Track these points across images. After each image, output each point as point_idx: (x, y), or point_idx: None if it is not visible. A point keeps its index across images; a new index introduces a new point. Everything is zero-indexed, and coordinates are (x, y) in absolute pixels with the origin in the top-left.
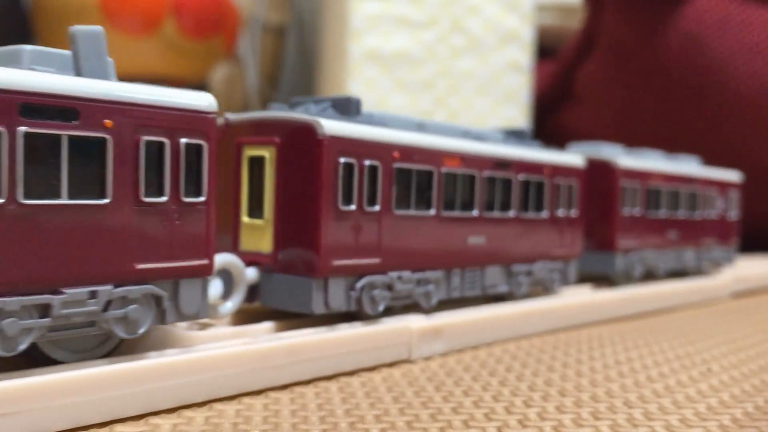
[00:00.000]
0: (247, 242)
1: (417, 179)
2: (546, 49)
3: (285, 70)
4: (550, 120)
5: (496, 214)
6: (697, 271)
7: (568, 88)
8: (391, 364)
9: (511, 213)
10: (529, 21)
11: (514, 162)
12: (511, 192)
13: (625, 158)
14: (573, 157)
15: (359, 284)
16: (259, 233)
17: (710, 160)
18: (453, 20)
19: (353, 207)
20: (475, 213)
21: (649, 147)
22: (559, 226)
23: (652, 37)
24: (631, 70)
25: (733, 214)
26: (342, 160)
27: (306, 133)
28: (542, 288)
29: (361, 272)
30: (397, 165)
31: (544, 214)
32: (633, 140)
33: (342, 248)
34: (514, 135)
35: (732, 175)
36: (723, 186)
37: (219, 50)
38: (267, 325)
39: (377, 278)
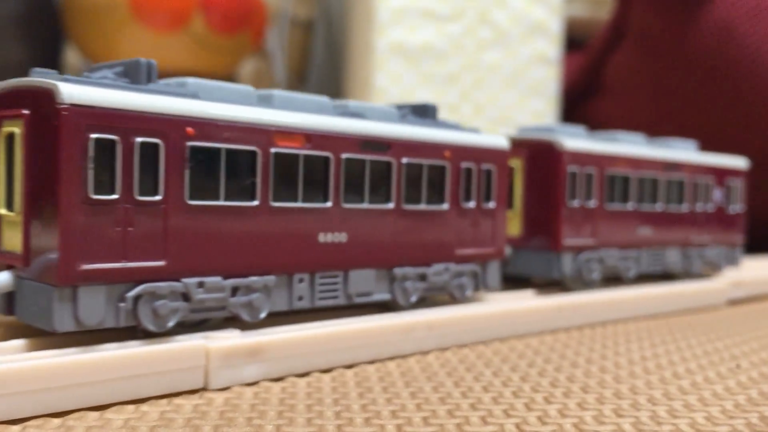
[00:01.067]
0: (6, 240)
1: (228, 162)
2: (575, 40)
3: (313, 64)
4: (579, 112)
5: (365, 205)
6: (686, 275)
7: (597, 80)
8: (181, 394)
9: (390, 204)
10: (557, 12)
11: (396, 142)
12: (391, 178)
13: (574, 139)
14: (490, 137)
15: (131, 294)
16: (13, 229)
17: (742, 152)
18: (479, 13)
19: (115, 196)
20: (328, 204)
21: (680, 138)
22: (470, 221)
23: (682, 26)
24: (661, 60)
25: (737, 206)
26: (94, 135)
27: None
28: (449, 295)
29: (137, 278)
30: (191, 143)
31: (445, 205)
32: (663, 132)
33: (98, 248)
34: (416, 112)
35: (735, 161)
36: (722, 173)
37: (247, 45)
38: (16, 344)
39: (162, 285)
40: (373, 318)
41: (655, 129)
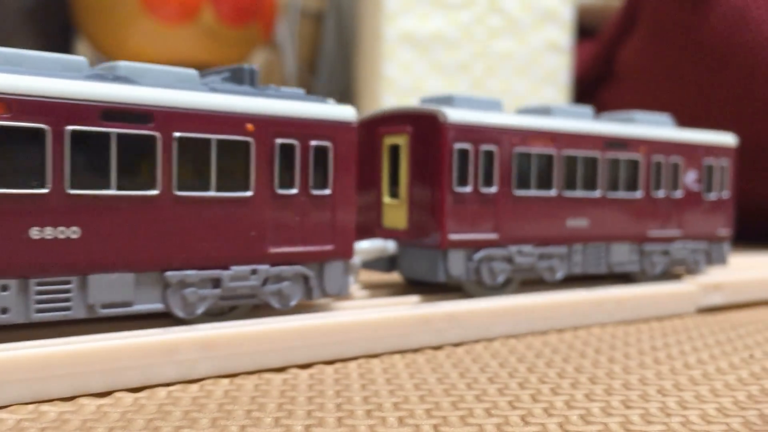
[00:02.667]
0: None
1: None
2: (587, 28)
3: (323, 55)
4: (591, 101)
5: (110, 192)
6: (645, 276)
7: (609, 68)
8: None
9: (154, 191)
10: (569, 0)
11: (162, 111)
12: (155, 157)
13: (464, 110)
14: (325, 107)
15: None
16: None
17: (759, 140)
18: (490, 0)
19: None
20: (46, 190)
21: (695, 126)
22: (293, 211)
23: (695, 13)
24: (674, 48)
25: (721, 192)
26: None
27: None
28: (265, 304)
29: None
30: None
31: (249, 192)
32: (677, 121)
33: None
34: (233, 77)
35: (717, 137)
36: (697, 152)
37: (257, 37)
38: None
39: None
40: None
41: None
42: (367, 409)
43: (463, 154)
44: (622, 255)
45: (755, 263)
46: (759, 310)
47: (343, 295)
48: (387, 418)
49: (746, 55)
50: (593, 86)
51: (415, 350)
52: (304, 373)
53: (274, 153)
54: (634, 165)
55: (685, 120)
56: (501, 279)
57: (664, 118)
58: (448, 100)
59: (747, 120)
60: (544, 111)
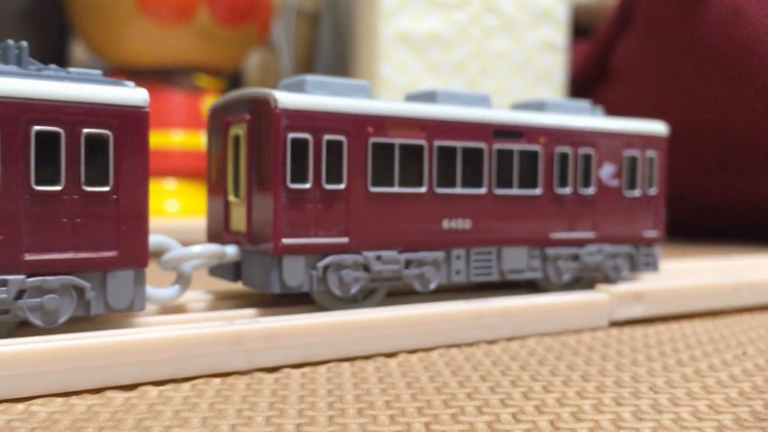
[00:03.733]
0: None
1: None
2: (582, 27)
3: (320, 55)
4: (587, 99)
5: None
6: (549, 285)
7: (604, 67)
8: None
9: None
10: None
11: None
12: None
13: (303, 94)
14: (103, 89)
15: None
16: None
17: (755, 138)
18: (485, 0)
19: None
20: None
21: (690, 126)
22: (56, 212)
23: (690, 12)
24: (669, 47)
25: (647, 188)
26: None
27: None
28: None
29: None
30: None
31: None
32: (672, 119)
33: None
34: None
35: (643, 126)
36: (617, 143)
37: (253, 37)
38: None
39: None
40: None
41: (663, 115)
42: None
43: (300, 144)
44: (517, 261)
45: (699, 268)
46: (685, 324)
47: (136, 309)
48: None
49: (741, 53)
50: (588, 85)
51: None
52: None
53: (30, 142)
54: (531, 157)
55: (681, 120)
56: (354, 289)
57: (585, 105)
58: (300, 84)
59: (742, 118)
60: (428, 97)
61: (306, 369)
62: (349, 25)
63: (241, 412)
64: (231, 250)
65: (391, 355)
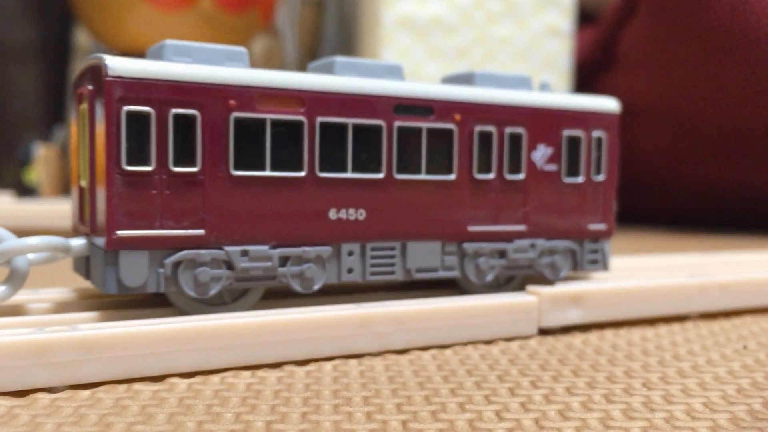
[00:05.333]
0: None
1: None
2: (587, 14)
3: (324, 41)
4: (592, 87)
5: None
6: (471, 285)
7: (610, 53)
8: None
9: None
10: None
11: None
12: None
13: (138, 61)
14: None
15: None
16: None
17: (762, 126)
18: None
19: None
20: None
21: (698, 113)
22: None
23: None
24: (675, 33)
25: (593, 174)
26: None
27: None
28: None
29: None
30: None
31: None
32: (678, 106)
33: None
34: None
35: (587, 102)
36: (554, 121)
37: (256, 23)
38: None
39: None
40: None
41: (669, 102)
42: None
43: (140, 119)
44: (427, 258)
45: (661, 266)
46: (630, 332)
47: None
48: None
49: (748, 39)
50: (594, 72)
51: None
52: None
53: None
54: (445, 137)
55: (687, 107)
56: (214, 290)
57: (523, 77)
58: (159, 50)
59: (752, 104)
60: (326, 67)
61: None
62: (353, 10)
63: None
64: (76, 243)
65: (253, 367)
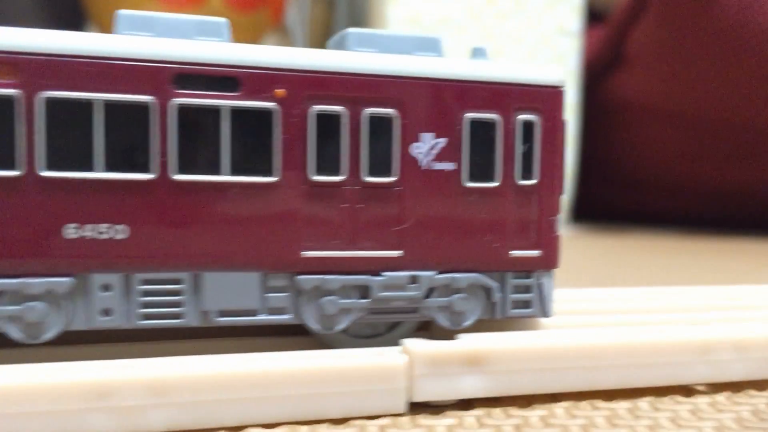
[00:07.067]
0: None
1: None
2: (596, 13)
3: None
4: (601, 86)
5: None
6: (326, 336)
7: (619, 52)
8: None
9: None
10: None
11: None
12: None
13: None
14: None
15: None
16: None
17: None
18: None
19: None
20: None
21: (709, 112)
22: None
23: None
24: (685, 32)
25: (518, 176)
26: None
27: None
28: None
29: None
30: None
31: None
32: (687, 106)
33: None
34: None
35: (512, 73)
36: (448, 98)
37: (266, 22)
38: None
39: None
40: None
41: (678, 100)
42: None
43: None
44: (236, 295)
45: (613, 306)
46: (549, 410)
47: None
48: None
49: (757, 37)
50: (603, 71)
51: None
52: None
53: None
54: (260, 121)
55: (696, 106)
56: None
57: (426, 40)
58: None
59: (759, 104)
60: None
61: None
62: (363, 8)
63: None
64: None
65: None
